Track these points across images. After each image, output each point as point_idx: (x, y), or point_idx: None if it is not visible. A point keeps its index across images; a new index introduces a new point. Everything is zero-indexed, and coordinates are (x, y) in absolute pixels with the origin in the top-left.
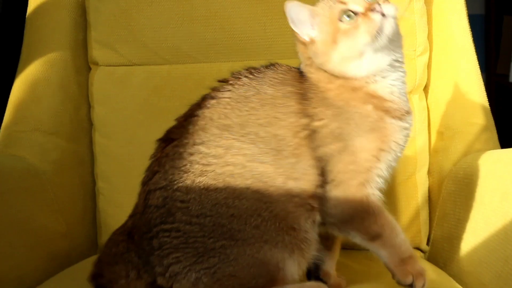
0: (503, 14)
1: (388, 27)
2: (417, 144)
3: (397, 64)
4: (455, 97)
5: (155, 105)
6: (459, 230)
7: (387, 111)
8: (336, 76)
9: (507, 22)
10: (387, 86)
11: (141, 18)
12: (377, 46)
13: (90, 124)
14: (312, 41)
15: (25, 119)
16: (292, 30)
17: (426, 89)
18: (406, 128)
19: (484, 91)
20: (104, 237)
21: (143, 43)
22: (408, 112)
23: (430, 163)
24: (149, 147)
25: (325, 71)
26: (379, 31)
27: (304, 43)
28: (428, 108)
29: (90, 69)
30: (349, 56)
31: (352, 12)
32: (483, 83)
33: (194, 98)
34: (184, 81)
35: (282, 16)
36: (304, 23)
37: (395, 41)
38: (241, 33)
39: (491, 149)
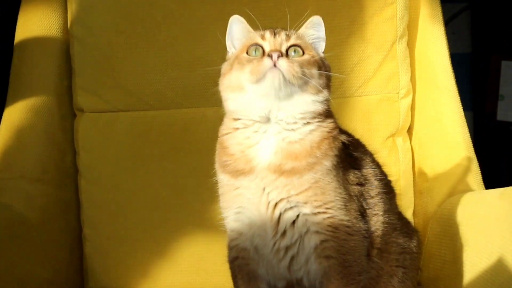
0: (490, 53)
1: (270, 77)
2: (402, 185)
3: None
4: (439, 138)
5: (140, 150)
6: (445, 271)
7: (224, 165)
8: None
9: (494, 61)
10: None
11: (125, 65)
12: (257, 90)
13: (76, 170)
14: (227, 59)
15: (11, 166)
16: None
17: (410, 130)
18: (237, 188)
19: (468, 132)
20: (91, 283)
21: (127, 89)
22: (244, 173)
23: (415, 205)
24: (135, 193)
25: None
26: (261, 75)
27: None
28: (412, 149)
29: (75, 115)
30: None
31: (261, 47)
32: (466, 124)
33: (179, 143)
34: (169, 127)
35: None
36: (232, 39)
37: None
38: None
39: (475, 190)
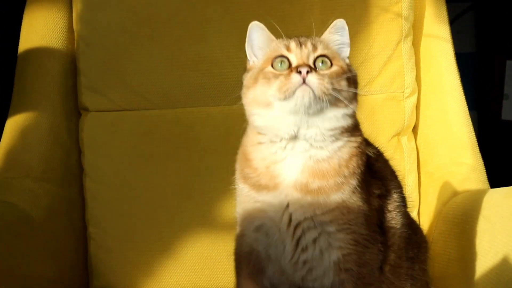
0: (495, 53)
1: (299, 94)
2: (407, 185)
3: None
4: (444, 138)
5: (145, 150)
6: (450, 270)
7: (246, 177)
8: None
9: (498, 60)
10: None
11: (130, 64)
12: (285, 107)
13: (81, 169)
14: (248, 69)
15: (16, 165)
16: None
17: (415, 130)
18: (258, 201)
19: (473, 131)
20: (96, 282)
21: (132, 89)
22: (268, 189)
23: (420, 204)
24: (140, 191)
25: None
26: (290, 92)
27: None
28: (417, 148)
29: (80, 114)
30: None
31: (286, 59)
32: (471, 122)
33: (184, 142)
34: (174, 126)
35: None
36: (253, 47)
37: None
38: (230, 77)
39: (480, 189)
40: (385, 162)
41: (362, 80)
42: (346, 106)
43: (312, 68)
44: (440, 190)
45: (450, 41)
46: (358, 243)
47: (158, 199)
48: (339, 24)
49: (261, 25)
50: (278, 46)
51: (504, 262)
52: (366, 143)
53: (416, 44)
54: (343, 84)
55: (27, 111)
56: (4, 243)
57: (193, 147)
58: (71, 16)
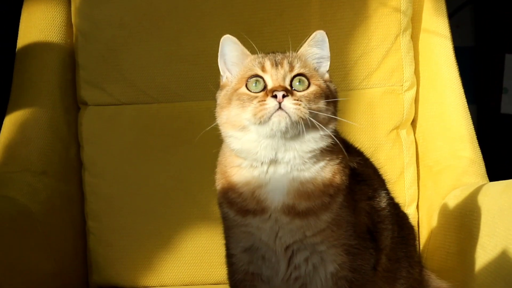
0: (494, 46)
1: (276, 120)
2: (406, 178)
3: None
4: (443, 131)
5: (144, 143)
6: (449, 263)
7: (231, 202)
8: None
9: (497, 54)
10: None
11: (129, 58)
12: (261, 131)
13: (80, 163)
14: (222, 87)
15: (15, 159)
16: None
17: (413, 123)
18: (245, 225)
19: (472, 124)
20: (95, 276)
21: (131, 83)
22: (255, 213)
23: (419, 197)
24: (139, 186)
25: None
26: (266, 118)
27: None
28: (416, 142)
29: (79, 109)
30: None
31: (262, 79)
32: (470, 116)
33: (183, 136)
34: (173, 120)
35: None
36: (226, 61)
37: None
38: None
39: (479, 182)
40: (366, 161)
41: (360, 74)
42: (325, 125)
43: (289, 91)
44: (439, 183)
45: (449, 35)
46: (349, 252)
47: (157, 193)
48: (319, 36)
49: (234, 38)
50: (253, 64)
51: (503, 254)
52: (347, 149)
53: (414, 38)
54: (321, 105)
55: (26, 105)
56: (3, 237)
57: (192, 140)
58: (70, 10)
